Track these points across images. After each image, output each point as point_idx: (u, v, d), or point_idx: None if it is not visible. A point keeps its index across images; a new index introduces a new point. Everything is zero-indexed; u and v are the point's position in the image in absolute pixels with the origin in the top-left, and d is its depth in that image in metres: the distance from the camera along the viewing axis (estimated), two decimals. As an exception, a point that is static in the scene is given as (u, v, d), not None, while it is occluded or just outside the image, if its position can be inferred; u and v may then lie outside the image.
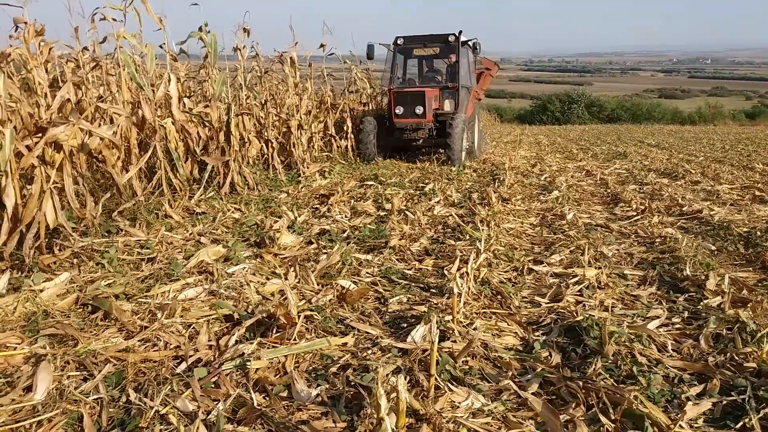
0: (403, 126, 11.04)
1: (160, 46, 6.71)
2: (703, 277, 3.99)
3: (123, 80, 5.87)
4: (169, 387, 2.56)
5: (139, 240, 4.85)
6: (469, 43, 11.74)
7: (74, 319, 3.33)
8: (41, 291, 3.62)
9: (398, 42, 11.56)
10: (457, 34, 11.09)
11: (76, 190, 4.70)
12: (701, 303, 3.62)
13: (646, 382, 2.59)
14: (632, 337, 3.06)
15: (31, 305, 3.43)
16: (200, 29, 6.68)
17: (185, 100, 6.75)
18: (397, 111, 10.87)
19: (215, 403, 2.47)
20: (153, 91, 6.15)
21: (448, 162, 10.84)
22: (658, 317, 3.44)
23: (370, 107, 13.15)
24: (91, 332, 3.19)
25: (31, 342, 3.01)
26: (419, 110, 10.68)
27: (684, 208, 6.71)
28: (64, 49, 5.94)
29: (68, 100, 5.19)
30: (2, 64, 4.53)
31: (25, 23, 4.88)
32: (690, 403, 2.46)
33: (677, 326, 3.35)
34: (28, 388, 2.52)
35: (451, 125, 10.66)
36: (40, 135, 4.37)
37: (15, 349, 2.92)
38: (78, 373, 2.72)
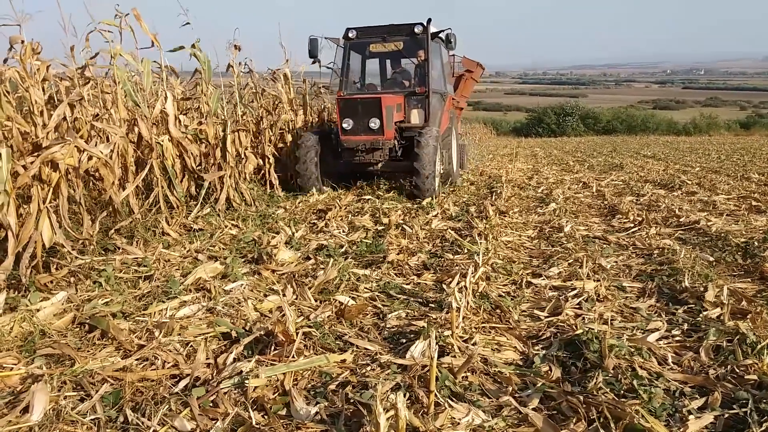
0: (353, 145, 8.42)
1: (155, 61, 6.74)
2: (701, 289, 3.98)
3: (119, 98, 5.88)
4: (167, 406, 2.54)
5: (137, 258, 4.84)
6: (441, 35, 9.26)
7: (71, 339, 3.30)
8: (38, 310, 3.60)
9: (350, 35, 9.03)
10: (425, 24, 8.67)
11: (72, 210, 4.68)
12: (701, 315, 3.61)
13: (647, 396, 2.58)
14: (632, 350, 3.04)
15: (28, 325, 3.41)
16: (193, 46, 6.70)
17: (181, 117, 6.77)
18: (344, 125, 8.31)
19: (213, 422, 2.45)
20: (150, 108, 6.16)
21: (415, 193, 8.34)
22: (657, 330, 3.43)
23: None
24: (88, 352, 3.16)
25: (28, 362, 2.98)
26: (374, 124, 8.15)
27: (681, 219, 6.72)
28: (60, 68, 5.96)
29: (64, 119, 5.19)
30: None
31: (22, 42, 4.89)
32: (692, 416, 2.44)
33: (677, 338, 3.34)
34: (25, 409, 2.49)
35: (419, 143, 8.13)
36: (36, 154, 4.37)
37: (11, 369, 2.89)
38: (75, 393, 2.70)
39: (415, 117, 8.95)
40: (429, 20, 8.67)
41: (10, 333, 3.31)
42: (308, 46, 9.03)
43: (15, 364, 2.94)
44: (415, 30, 8.70)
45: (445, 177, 9.49)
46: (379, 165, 8.78)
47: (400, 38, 8.91)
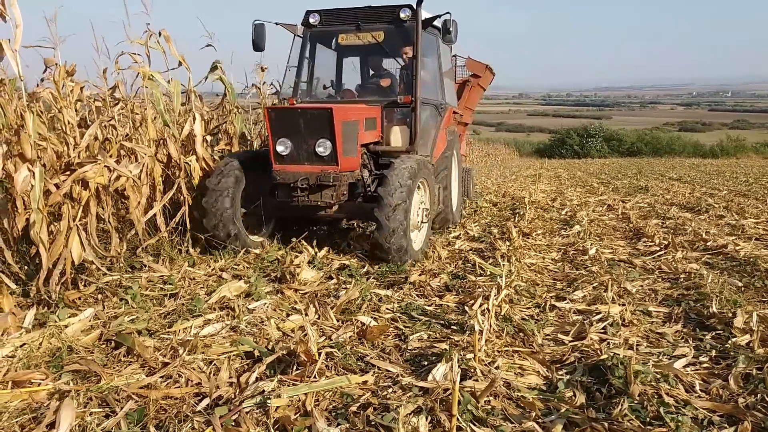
0: (290, 179, 5.58)
1: (182, 84, 6.86)
2: (730, 315, 3.91)
3: (149, 118, 6.01)
4: (190, 425, 2.56)
5: (162, 276, 4.91)
6: (436, 23, 6.53)
7: (98, 355, 3.35)
8: (66, 326, 3.66)
9: (311, 21, 6.61)
10: (413, 7, 6.11)
11: (101, 228, 4.78)
12: (729, 341, 3.54)
13: (675, 424, 2.53)
14: (658, 376, 3.00)
15: (56, 341, 3.47)
16: (213, 68, 6.79)
17: (208, 137, 6.88)
18: (279, 149, 5.54)
19: (236, 441, 2.46)
20: (179, 128, 6.28)
21: (377, 253, 5.58)
22: (684, 356, 3.37)
23: None
24: (114, 368, 3.21)
25: (56, 378, 3.04)
26: (324, 148, 5.44)
27: (708, 243, 6.61)
28: (93, 89, 6.12)
29: (96, 138, 5.32)
30: (32, 103, 4.68)
31: (56, 64, 5.04)
32: (721, 446, 2.39)
33: (705, 365, 3.28)
34: (52, 425, 2.53)
35: (384, 179, 5.51)
36: (68, 173, 4.49)
37: (39, 384, 2.94)
38: (100, 409, 2.74)
39: (397, 137, 6.45)
40: (420, 1, 6.03)
41: (38, 348, 3.38)
42: (252, 35, 6.49)
43: (43, 380, 2.99)
44: (401, 15, 6.23)
45: (441, 222, 7.26)
46: (332, 209, 5.90)
47: (380, 26, 6.40)
